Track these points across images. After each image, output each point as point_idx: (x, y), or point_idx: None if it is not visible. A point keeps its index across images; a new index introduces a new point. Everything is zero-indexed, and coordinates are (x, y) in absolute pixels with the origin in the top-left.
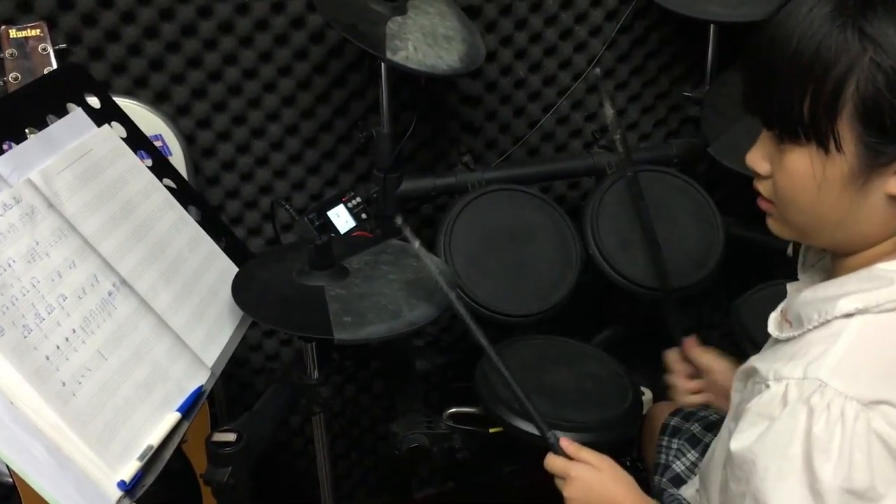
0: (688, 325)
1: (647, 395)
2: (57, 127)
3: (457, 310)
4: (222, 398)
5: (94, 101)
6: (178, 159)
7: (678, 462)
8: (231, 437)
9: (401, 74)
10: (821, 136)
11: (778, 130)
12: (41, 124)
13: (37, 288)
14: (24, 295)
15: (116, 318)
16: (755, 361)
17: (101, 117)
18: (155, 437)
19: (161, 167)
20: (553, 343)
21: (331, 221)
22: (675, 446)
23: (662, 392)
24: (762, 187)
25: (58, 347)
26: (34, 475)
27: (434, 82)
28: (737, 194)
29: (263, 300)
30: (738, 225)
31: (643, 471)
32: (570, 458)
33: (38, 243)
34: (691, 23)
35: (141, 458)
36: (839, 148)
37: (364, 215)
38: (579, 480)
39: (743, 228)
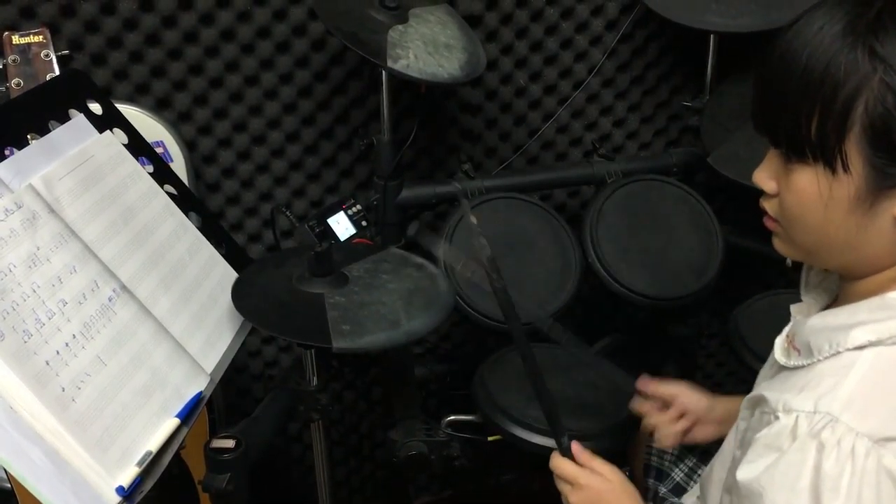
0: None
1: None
2: (59, 133)
3: (503, 302)
4: (221, 404)
5: (95, 108)
6: (179, 166)
7: (676, 469)
8: (229, 443)
9: (401, 82)
10: (828, 155)
11: (785, 149)
12: (43, 130)
13: (37, 293)
14: (25, 300)
15: (116, 323)
16: (763, 390)
17: (102, 123)
18: (154, 442)
19: (162, 173)
20: (551, 351)
21: (331, 228)
22: (669, 450)
23: None
24: (769, 206)
25: (57, 353)
26: (32, 480)
27: (434, 90)
28: (736, 204)
29: (263, 306)
30: (736, 234)
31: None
32: (579, 463)
33: (38, 248)
34: (691, 33)
35: (139, 463)
36: (846, 169)
37: (364, 222)
38: (589, 490)
39: (742, 238)
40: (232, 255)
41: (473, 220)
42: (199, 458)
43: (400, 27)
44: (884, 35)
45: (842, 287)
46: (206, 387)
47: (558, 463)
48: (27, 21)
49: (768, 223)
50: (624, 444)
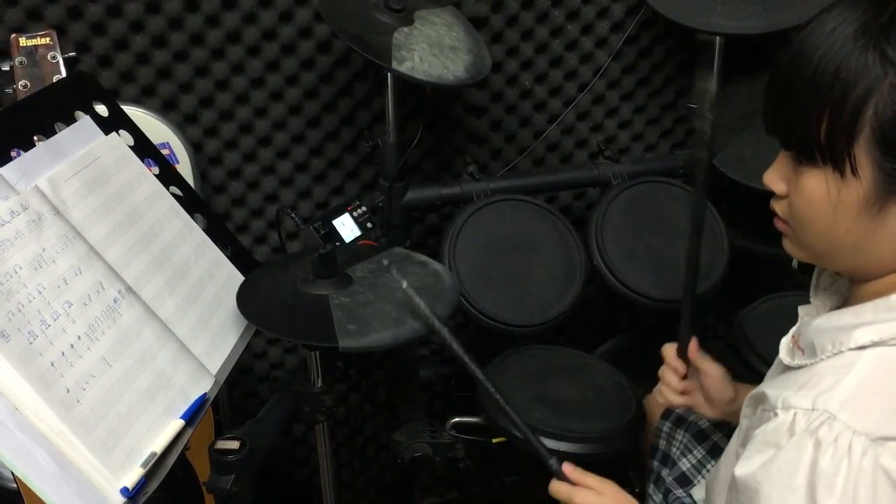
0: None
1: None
2: (65, 135)
3: (452, 348)
4: (226, 405)
5: (101, 110)
6: (185, 167)
7: (684, 459)
8: (234, 444)
9: (407, 84)
10: (837, 159)
11: (796, 151)
12: (49, 132)
13: (42, 294)
14: (30, 301)
15: (121, 325)
16: (765, 387)
17: (108, 125)
18: (158, 444)
19: (168, 175)
20: (556, 353)
21: (336, 230)
22: (679, 437)
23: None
24: (778, 208)
25: (63, 354)
26: (37, 481)
27: (440, 92)
28: (742, 206)
29: (267, 308)
30: (742, 236)
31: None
32: (573, 483)
33: (44, 250)
34: (697, 35)
35: (144, 464)
36: (855, 172)
37: (369, 224)
38: None
39: (748, 240)
40: (237, 256)
41: (404, 284)
42: (204, 459)
43: (405, 29)
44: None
45: (850, 289)
46: (211, 388)
47: (553, 486)
48: (34, 23)
49: (778, 224)
50: (627, 446)
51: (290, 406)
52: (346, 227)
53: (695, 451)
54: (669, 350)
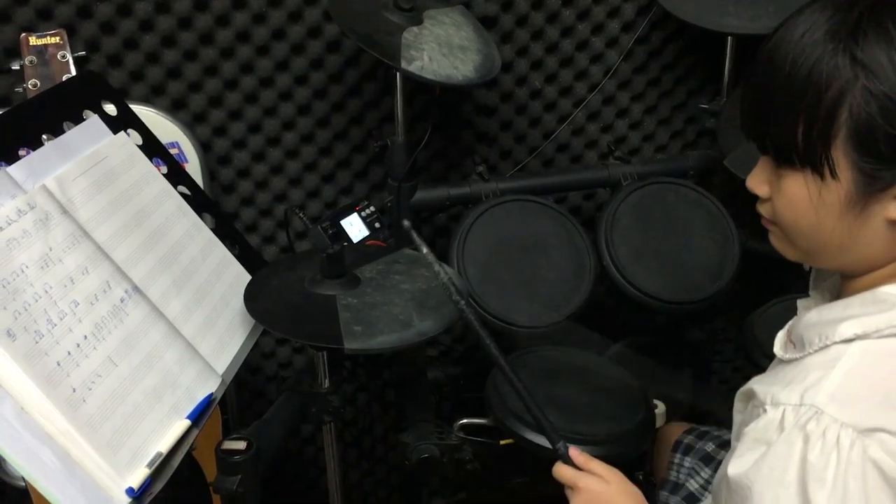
0: (701, 338)
1: (660, 408)
2: (73, 134)
3: (468, 319)
4: (234, 405)
5: (110, 109)
6: (193, 167)
7: (692, 480)
8: (241, 445)
9: (416, 84)
10: (815, 161)
11: (773, 155)
12: (57, 131)
13: (49, 294)
14: (37, 301)
15: (128, 324)
16: (755, 384)
17: (117, 124)
18: (164, 444)
19: (176, 174)
20: (565, 355)
21: (344, 230)
22: (687, 464)
23: (675, 407)
24: (763, 210)
25: (69, 353)
26: (42, 480)
27: (449, 92)
28: (753, 207)
29: (275, 308)
30: (754, 238)
31: (655, 486)
32: (579, 468)
33: (51, 249)
34: (708, 34)
35: (150, 465)
36: (834, 174)
37: (377, 224)
38: (587, 492)
39: (759, 241)
40: (245, 256)
41: (425, 249)
42: (211, 458)
43: (415, 29)
44: (864, 40)
45: (841, 284)
46: (218, 388)
47: (557, 468)
48: (44, 22)
49: (765, 223)
50: (637, 449)
51: (297, 406)
52: (355, 228)
53: (702, 473)
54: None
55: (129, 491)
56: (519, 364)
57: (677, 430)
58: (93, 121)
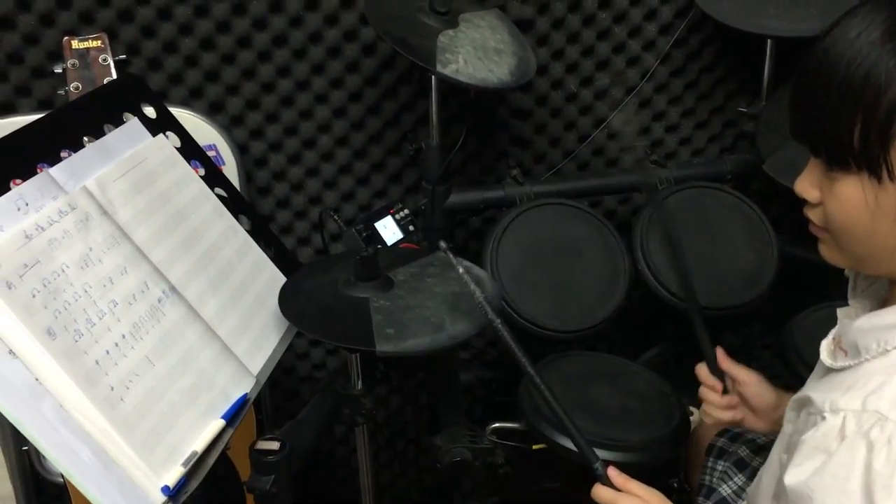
0: (737, 344)
1: (695, 415)
2: (113, 136)
3: (504, 340)
4: (268, 405)
5: (149, 112)
6: (231, 169)
7: (724, 485)
8: (274, 445)
9: (451, 87)
10: (872, 164)
11: (826, 158)
12: (98, 133)
13: (88, 293)
14: (77, 300)
15: (165, 324)
16: (809, 391)
17: (156, 127)
18: (199, 443)
19: (213, 177)
20: (599, 360)
21: (378, 233)
22: (720, 468)
23: None
24: (812, 215)
25: (107, 352)
26: (80, 477)
27: (484, 95)
28: (792, 212)
29: (308, 310)
30: (792, 243)
31: (690, 492)
32: (618, 489)
33: (91, 249)
34: (747, 37)
35: (185, 464)
36: (892, 176)
37: (411, 227)
38: None
39: (798, 247)
40: (280, 258)
41: (461, 269)
42: (246, 458)
43: (450, 32)
44: None
45: (891, 290)
46: (252, 389)
47: (597, 491)
48: (86, 26)
49: (814, 230)
50: (670, 455)
51: (330, 408)
52: (389, 230)
53: (735, 479)
54: (701, 369)
55: (165, 489)
56: (552, 369)
57: (711, 429)
58: (132, 123)
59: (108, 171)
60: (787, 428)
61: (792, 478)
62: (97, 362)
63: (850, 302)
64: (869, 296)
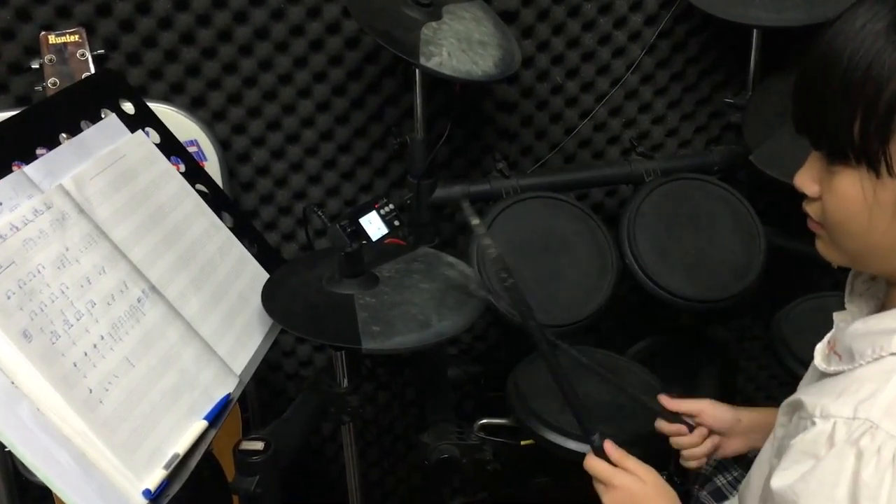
0: (726, 337)
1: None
2: (90, 133)
3: (518, 301)
4: (255, 403)
5: (128, 107)
6: (213, 165)
7: (720, 476)
8: (258, 445)
9: (435, 80)
10: (872, 158)
11: (827, 151)
12: (75, 130)
13: (65, 294)
14: (53, 301)
15: (145, 324)
16: (801, 395)
17: (135, 123)
18: (181, 445)
19: (194, 173)
20: (587, 354)
21: (363, 228)
22: (701, 469)
23: None
24: (811, 210)
25: (85, 354)
26: (58, 482)
27: (469, 88)
28: (779, 203)
29: (292, 308)
30: (780, 235)
31: (681, 485)
32: (613, 463)
33: (67, 249)
34: (734, 28)
35: (167, 466)
36: (891, 171)
37: (397, 222)
38: (622, 491)
39: (785, 239)
40: (263, 254)
41: (476, 221)
42: (231, 458)
43: (434, 24)
44: None
45: (889, 292)
46: (235, 388)
47: (591, 462)
48: (63, 21)
49: (812, 226)
50: (659, 450)
51: (315, 406)
52: (373, 225)
53: (731, 469)
54: (659, 423)
55: (146, 493)
56: (538, 363)
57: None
58: (110, 119)
59: (86, 168)
60: (777, 431)
61: (778, 481)
62: (75, 364)
63: (846, 305)
64: (867, 298)
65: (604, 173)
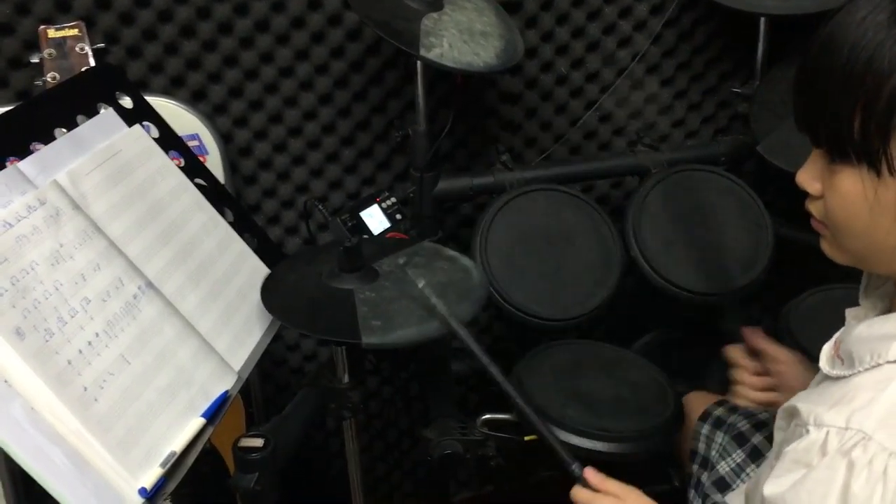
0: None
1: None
2: (86, 127)
3: (472, 350)
4: (259, 398)
5: (126, 101)
6: (214, 158)
7: (723, 462)
8: (258, 442)
9: (437, 72)
10: (872, 156)
11: (827, 149)
12: (71, 125)
13: (60, 291)
14: (47, 298)
15: (141, 321)
16: (798, 401)
17: (132, 117)
18: (178, 443)
19: (193, 167)
20: (591, 348)
21: (364, 222)
22: (718, 440)
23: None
24: (814, 208)
25: (80, 352)
26: (53, 481)
27: (472, 80)
28: (787, 195)
29: (291, 303)
30: (788, 227)
31: (680, 485)
32: (594, 489)
33: (62, 246)
34: (740, 16)
35: (163, 464)
36: (892, 171)
37: (398, 216)
38: None
39: (793, 230)
40: (264, 249)
41: (421, 283)
42: None
43: (434, 15)
44: None
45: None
46: (234, 385)
47: (575, 492)
48: (63, 15)
49: (815, 225)
50: (665, 444)
51: (316, 402)
52: (375, 219)
53: (734, 455)
54: (732, 350)
55: (142, 491)
56: (544, 357)
57: (704, 400)
58: (107, 114)
59: (81, 163)
60: (777, 436)
61: (771, 488)
62: (69, 362)
63: (860, 301)
64: (882, 295)
65: (609, 165)
